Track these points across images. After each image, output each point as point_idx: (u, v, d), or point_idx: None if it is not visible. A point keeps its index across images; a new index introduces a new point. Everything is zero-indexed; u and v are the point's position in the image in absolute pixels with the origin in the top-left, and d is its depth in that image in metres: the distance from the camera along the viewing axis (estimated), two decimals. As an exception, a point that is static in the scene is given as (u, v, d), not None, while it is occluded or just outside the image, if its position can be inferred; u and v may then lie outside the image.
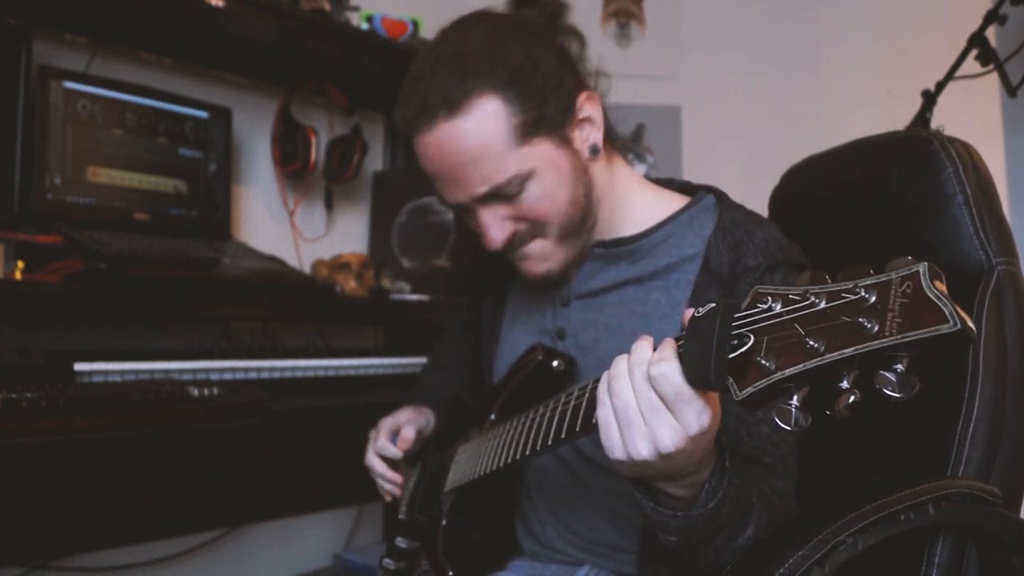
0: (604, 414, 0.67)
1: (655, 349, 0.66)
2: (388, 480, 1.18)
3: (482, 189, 0.92)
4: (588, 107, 0.96)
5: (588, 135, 0.97)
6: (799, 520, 0.76)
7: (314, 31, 1.82)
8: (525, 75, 0.90)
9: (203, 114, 1.81)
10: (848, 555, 0.70)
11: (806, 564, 0.68)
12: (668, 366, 0.63)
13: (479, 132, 0.89)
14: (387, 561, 1.15)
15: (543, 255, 0.98)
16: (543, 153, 0.92)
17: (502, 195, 0.92)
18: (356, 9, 1.99)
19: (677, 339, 0.65)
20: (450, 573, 1.02)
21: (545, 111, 0.91)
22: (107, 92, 1.65)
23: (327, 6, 1.87)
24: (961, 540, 0.83)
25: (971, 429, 0.88)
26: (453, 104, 0.88)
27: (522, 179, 0.91)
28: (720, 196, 1.00)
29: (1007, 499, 0.86)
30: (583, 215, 0.97)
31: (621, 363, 0.67)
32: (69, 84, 1.59)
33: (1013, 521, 0.82)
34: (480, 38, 0.93)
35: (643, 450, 0.64)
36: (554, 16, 1.01)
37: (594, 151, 0.97)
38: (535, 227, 0.96)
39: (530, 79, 0.91)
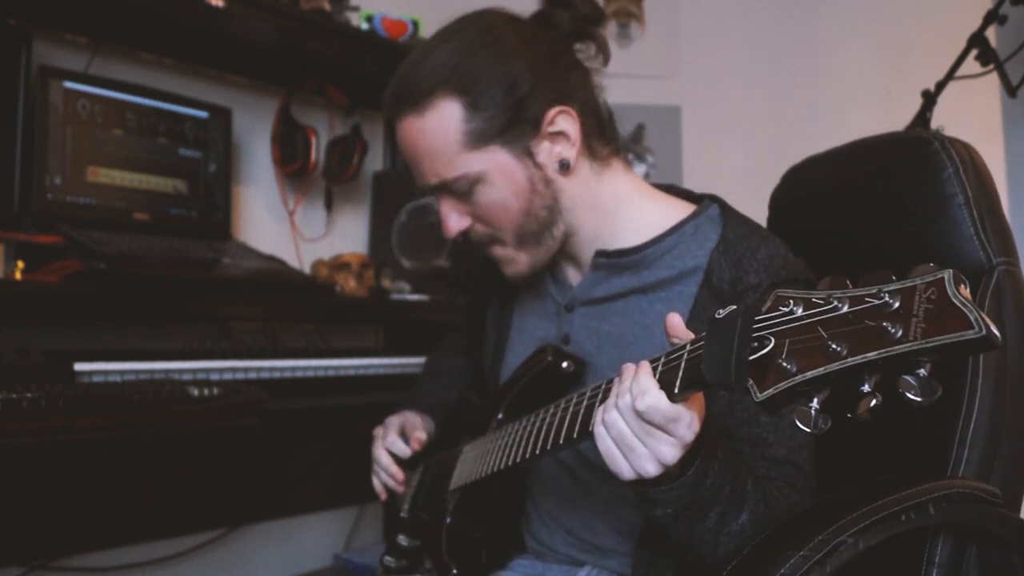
0: (606, 446, 0.73)
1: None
2: (391, 475, 1.16)
3: (433, 181, 0.97)
4: (561, 122, 0.95)
5: (558, 149, 0.96)
6: (800, 520, 0.76)
7: (314, 31, 1.82)
8: (489, 84, 0.93)
9: (203, 114, 1.81)
10: (849, 555, 0.70)
11: (807, 564, 0.69)
12: (651, 397, 0.68)
13: (435, 132, 0.94)
14: (388, 559, 1.15)
15: (507, 259, 1.02)
16: (495, 160, 0.94)
17: (453, 190, 0.97)
18: (356, 9, 1.99)
19: (652, 361, 0.71)
20: (454, 571, 1.01)
21: (503, 121, 0.93)
22: (107, 92, 1.65)
23: (327, 6, 1.87)
24: (961, 540, 0.83)
25: (971, 429, 0.88)
26: (416, 102, 0.94)
27: (471, 181, 0.95)
28: (724, 207, 1.00)
29: (1007, 499, 0.86)
30: (541, 225, 0.98)
31: (610, 398, 0.73)
32: (69, 84, 1.59)
33: (1013, 521, 0.82)
34: (463, 39, 0.95)
35: (650, 469, 0.70)
36: (578, 21, 0.99)
37: (564, 166, 0.96)
38: (492, 232, 1.00)
39: (493, 89, 0.93)
